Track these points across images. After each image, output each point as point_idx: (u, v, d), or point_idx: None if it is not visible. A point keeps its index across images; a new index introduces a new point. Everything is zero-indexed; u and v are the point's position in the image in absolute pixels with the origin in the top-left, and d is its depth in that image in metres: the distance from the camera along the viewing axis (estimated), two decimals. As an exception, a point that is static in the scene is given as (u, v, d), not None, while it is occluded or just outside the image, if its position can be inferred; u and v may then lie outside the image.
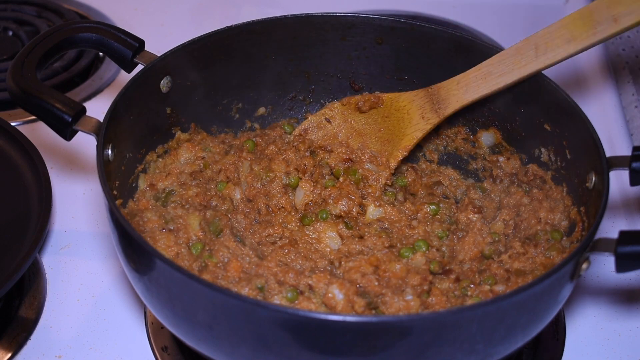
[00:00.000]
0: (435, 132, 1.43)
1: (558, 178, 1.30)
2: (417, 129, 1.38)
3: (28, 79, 1.19)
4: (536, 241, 1.24)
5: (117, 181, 1.24)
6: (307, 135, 1.44)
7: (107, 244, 1.43)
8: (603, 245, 1.05)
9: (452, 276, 1.22)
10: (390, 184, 1.38)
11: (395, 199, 1.37)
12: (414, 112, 1.38)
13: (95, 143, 1.16)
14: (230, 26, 1.37)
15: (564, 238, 1.24)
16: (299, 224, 1.32)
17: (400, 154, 1.39)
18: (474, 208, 1.34)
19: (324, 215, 1.31)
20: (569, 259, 1.03)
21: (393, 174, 1.39)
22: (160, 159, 1.35)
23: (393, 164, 1.39)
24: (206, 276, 1.16)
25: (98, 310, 1.33)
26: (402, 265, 1.19)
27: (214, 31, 1.36)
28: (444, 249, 1.30)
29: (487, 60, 1.32)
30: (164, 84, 1.32)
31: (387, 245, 1.27)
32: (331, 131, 1.44)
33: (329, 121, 1.44)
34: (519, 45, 1.29)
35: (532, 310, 1.04)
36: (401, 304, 1.13)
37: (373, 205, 1.33)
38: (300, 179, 1.35)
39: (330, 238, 1.29)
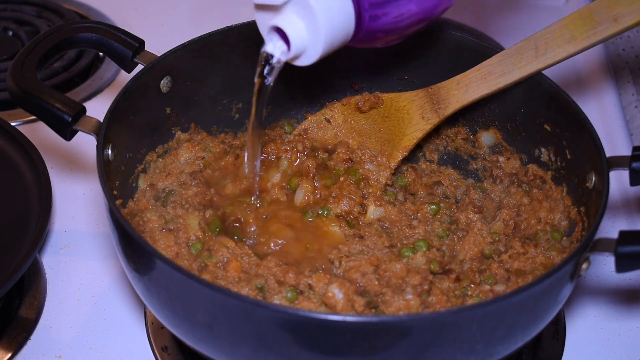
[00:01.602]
0: (435, 132, 1.43)
1: (558, 178, 1.30)
2: (417, 129, 1.38)
3: (28, 79, 1.19)
4: (536, 241, 1.24)
5: (117, 181, 1.23)
6: (307, 135, 1.43)
7: (107, 244, 1.43)
8: (603, 245, 1.05)
9: (452, 276, 1.22)
10: (390, 184, 1.38)
11: (395, 199, 1.37)
12: (414, 112, 1.38)
13: (95, 143, 1.16)
14: (230, 26, 1.37)
15: (564, 238, 1.24)
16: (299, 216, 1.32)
17: (400, 154, 1.39)
18: (474, 208, 1.34)
19: (325, 212, 1.31)
20: (569, 259, 1.03)
21: (393, 174, 1.39)
22: (160, 159, 1.35)
23: (393, 164, 1.38)
24: (206, 276, 1.16)
25: (98, 310, 1.33)
26: (402, 265, 1.19)
27: (214, 31, 1.36)
28: (444, 248, 1.30)
29: (487, 60, 1.32)
30: (164, 84, 1.32)
31: (387, 244, 1.27)
32: (331, 131, 1.44)
33: (329, 121, 1.44)
34: (519, 45, 1.29)
35: (532, 310, 1.04)
36: (401, 304, 1.13)
37: (374, 205, 1.33)
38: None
39: (334, 232, 1.29)
